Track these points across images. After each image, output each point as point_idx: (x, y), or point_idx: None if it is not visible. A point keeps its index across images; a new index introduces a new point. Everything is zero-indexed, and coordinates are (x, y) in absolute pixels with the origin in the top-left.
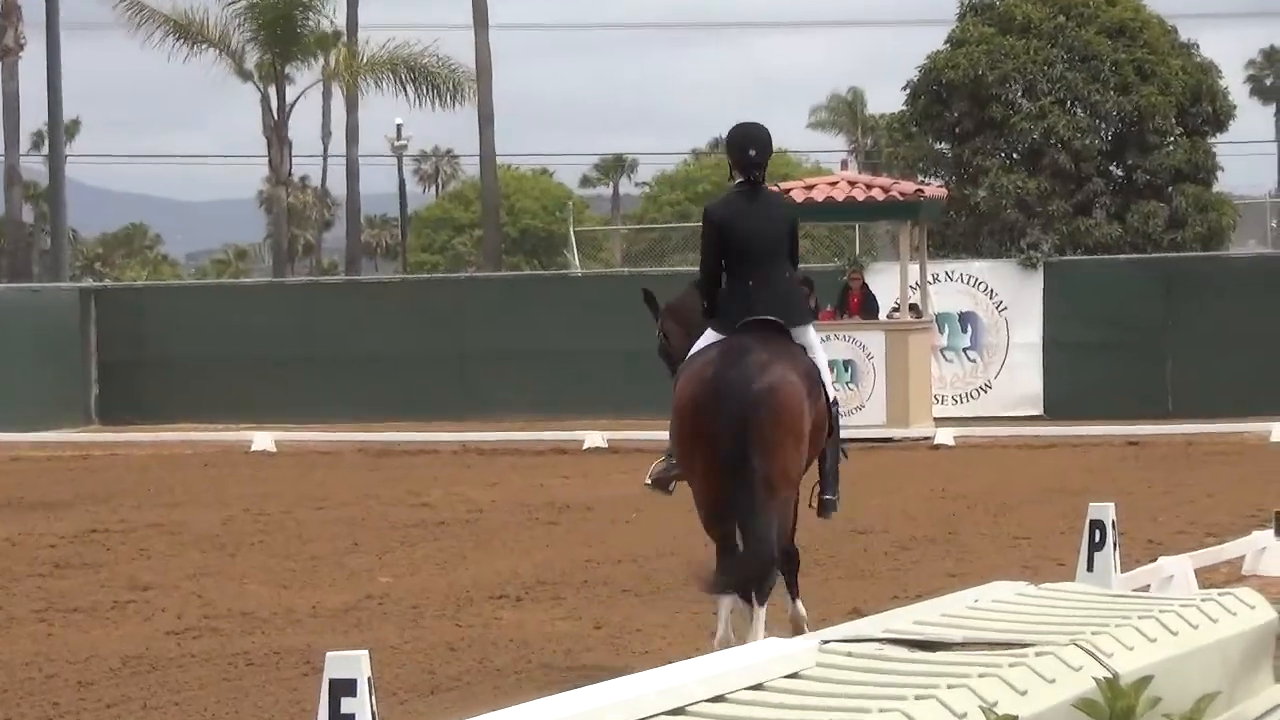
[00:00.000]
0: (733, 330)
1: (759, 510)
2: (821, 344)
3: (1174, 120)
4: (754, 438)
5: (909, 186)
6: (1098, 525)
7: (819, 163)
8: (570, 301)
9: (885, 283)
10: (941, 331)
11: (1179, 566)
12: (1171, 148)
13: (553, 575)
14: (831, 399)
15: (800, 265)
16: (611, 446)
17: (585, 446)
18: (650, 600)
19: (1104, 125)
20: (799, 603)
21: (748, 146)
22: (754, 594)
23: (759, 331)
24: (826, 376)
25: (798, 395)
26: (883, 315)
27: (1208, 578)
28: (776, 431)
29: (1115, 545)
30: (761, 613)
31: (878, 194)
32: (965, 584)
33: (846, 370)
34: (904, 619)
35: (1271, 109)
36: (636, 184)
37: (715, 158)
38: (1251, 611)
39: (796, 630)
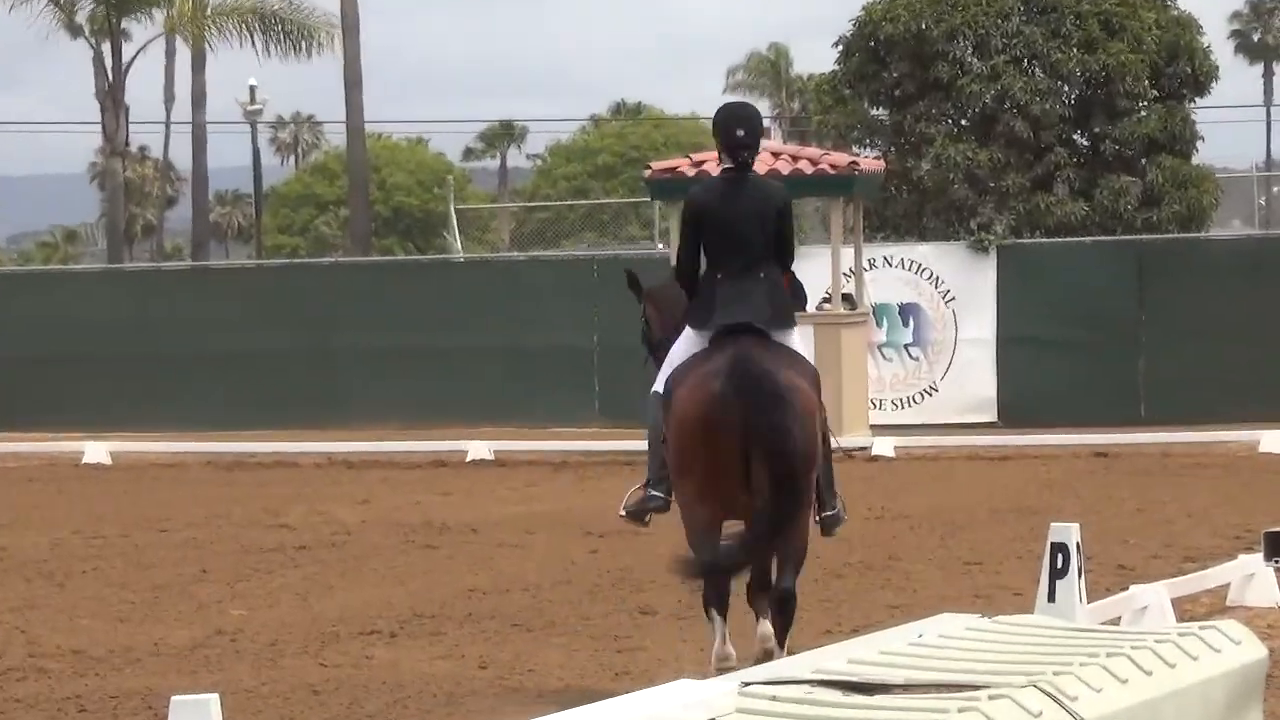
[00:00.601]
0: (710, 332)
1: (783, 525)
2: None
3: (1147, 82)
4: (783, 452)
5: (841, 158)
6: (1060, 549)
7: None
8: (451, 291)
9: (814, 269)
10: (879, 326)
11: (1154, 596)
12: (1144, 114)
13: (431, 607)
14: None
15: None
16: (499, 459)
17: (469, 459)
18: (543, 636)
19: (1066, 88)
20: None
21: (734, 127)
22: (754, 608)
23: (753, 337)
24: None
25: (812, 405)
26: (811, 307)
27: (1187, 609)
28: (802, 445)
29: (1080, 572)
30: (766, 624)
31: (805, 167)
32: (908, 617)
33: None
34: (837, 657)
35: (1259, 69)
36: (527, 156)
37: (617, 125)
38: (1237, 648)
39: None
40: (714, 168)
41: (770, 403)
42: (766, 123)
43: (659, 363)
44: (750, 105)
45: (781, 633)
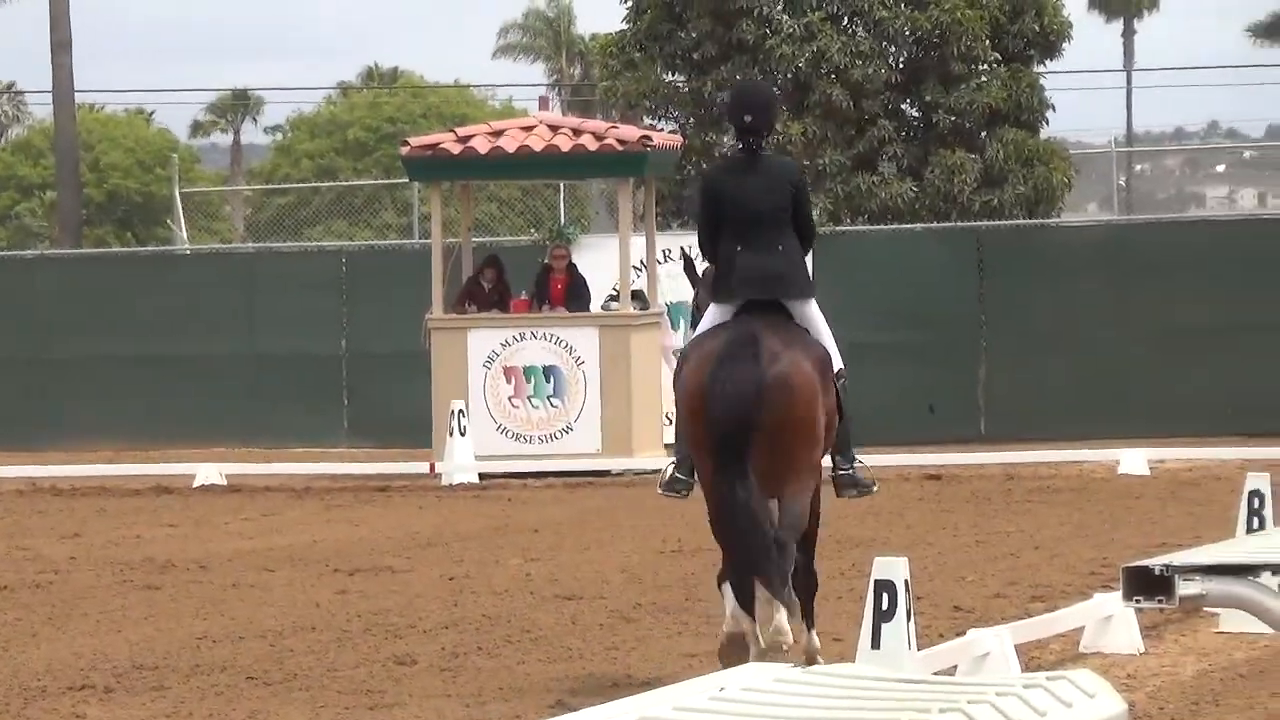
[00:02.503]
0: (731, 306)
1: (759, 506)
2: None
3: (987, 43)
4: (761, 434)
5: (631, 132)
6: (886, 587)
7: (512, 100)
8: (176, 288)
9: (599, 262)
10: (675, 328)
11: (996, 641)
12: (984, 80)
13: (153, 658)
14: (840, 374)
15: (488, 238)
16: (232, 483)
17: (197, 484)
18: (283, 691)
19: (893, 49)
20: (814, 634)
21: (742, 112)
22: (769, 589)
23: (764, 315)
24: (835, 353)
25: (812, 387)
26: (596, 306)
27: (1035, 656)
28: (786, 427)
29: (910, 614)
30: (782, 613)
31: (588, 142)
32: (709, 667)
33: (548, 380)
34: (625, 715)
35: (1117, 27)
36: (264, 130)
37: (370, 95)
38: (1091, 701)
39: (810, 662)
40: (482, 143)
41: (758, 376)
42: (544, 91)
43: None
44: (764, 85)
45: (805, 616)
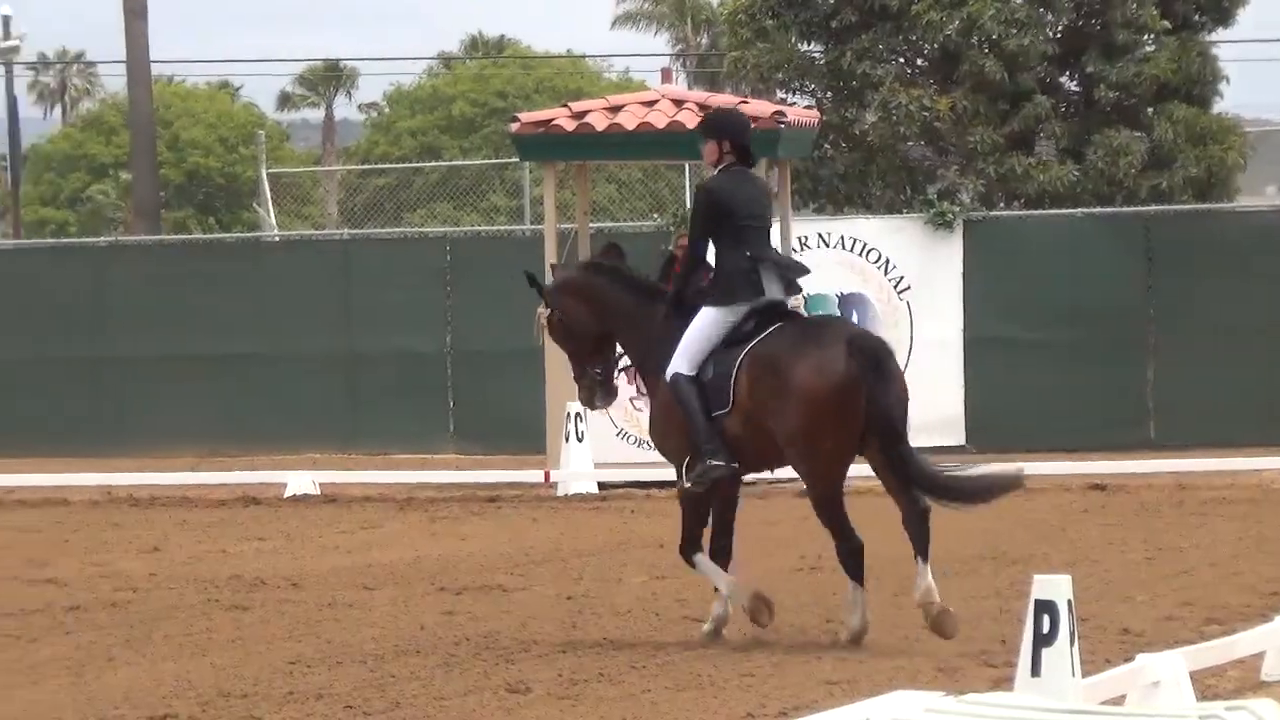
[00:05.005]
0: (743, 309)
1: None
2: None
3: (1155, 10)
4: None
5: (763, 108)
6: (1046, 608)
7: (630, 73)
8: (264, 278)
9: None
10: None
11: (1168, 668)
12: (1151, 50)
13: (242, 684)
14: None
15: (606, 223)
16: (326, 493)
17: (288, 494)
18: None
19: (1051, 17)
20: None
21: (742, 132)
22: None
23: (786, 314)
24: None
25: None
26: None
27: (1211, 684)
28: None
29: (1073, 637)
30: (929, 574)
31: None
32: (851, 696)
33: None
34: None
35: None
36: (360, 106)
37: (475, 66)
38: None
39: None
40: (600, 119)
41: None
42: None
43: (590, 356)
44: (736, 113)
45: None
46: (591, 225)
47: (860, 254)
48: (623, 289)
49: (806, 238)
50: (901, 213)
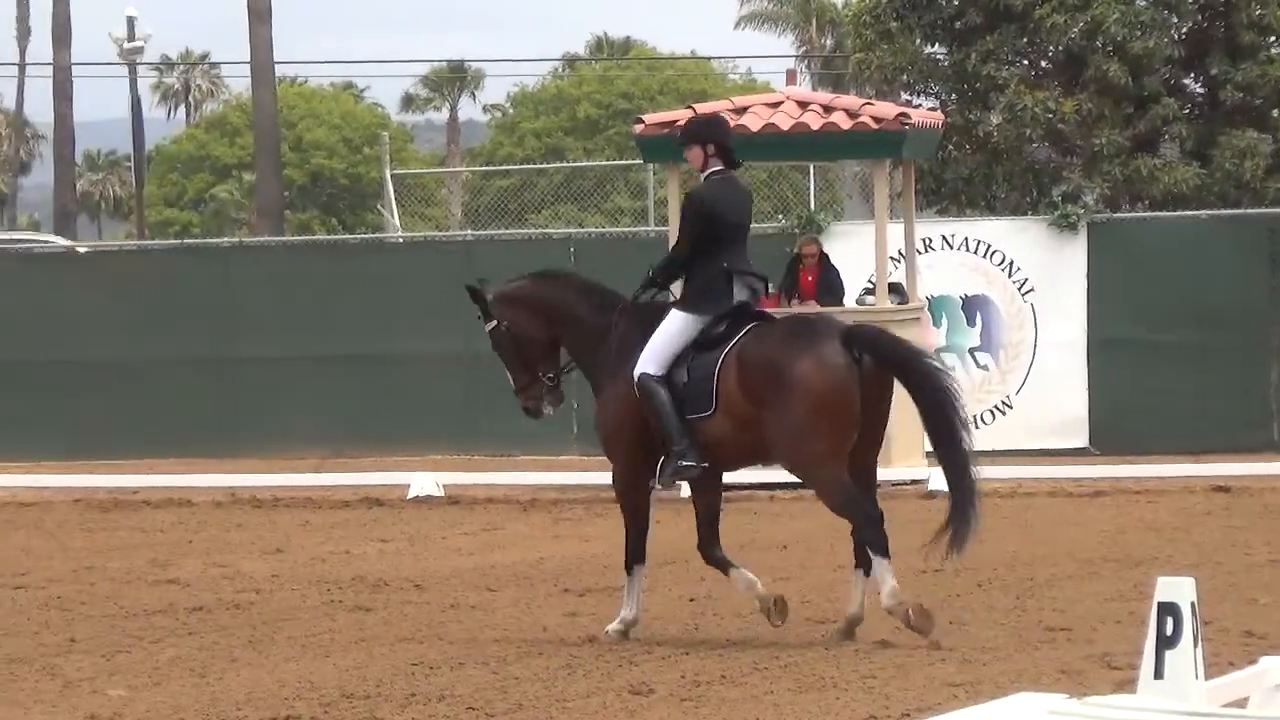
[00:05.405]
0: (710, 316)
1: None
2: None
3: None
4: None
5: (887, 109)
6: (1170, 610)
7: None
8: (387, 279)
9: (853, 252)
10: (937, 324)
11: None
12: (1277, 51)
13: (364, 686)
14: None
15: None
16: (449, 495)
17: (411, 495)
18: None
19: (1176, 19)
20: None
21: (724, 135)
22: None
23: (756, 316)
24: None
25: None
26: (850, 300)
27: None
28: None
29: (1197, 639)
30: (890, 580)
31: (841, 121)
32: (974, 698)
33: None
34: None
35: None
36: (484, 107)
37: (600, 68)
38: None
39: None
40: (758, 117)
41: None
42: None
43: (539, 364)
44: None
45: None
46: None
47: (984, 256)
48: (574, 295)
49: (930, 240)
50: (1026, 215)
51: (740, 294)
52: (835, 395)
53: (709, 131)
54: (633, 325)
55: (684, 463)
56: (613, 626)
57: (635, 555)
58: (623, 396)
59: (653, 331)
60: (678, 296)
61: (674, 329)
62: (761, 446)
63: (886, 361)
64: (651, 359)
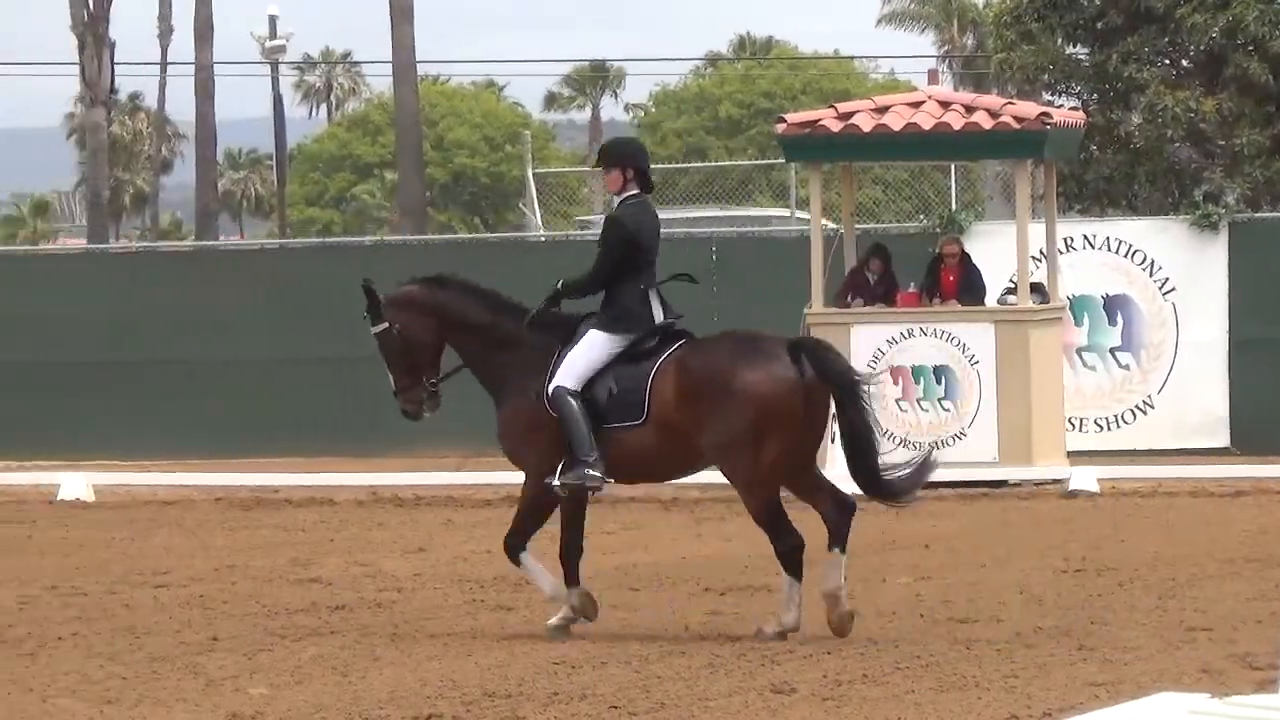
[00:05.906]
0: (634, 335)
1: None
2: None
3: None
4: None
5: (1029, 109)
6: None
7: (896, 73)
8: (529, 277)
9: (995, 252)
10: (1078, 324)
11: None
12: None
13: (506, 685)
14: None
15: (871, 225)
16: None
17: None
18: None
19: None
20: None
21: (644, 160)
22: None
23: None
24: None
25: None
26: (992, 300)
27: None
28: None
29: None
30: (799, 590)
31: (982, 120)
32: (1115, 698)
33: (939, 381)
34: None
35: None
36: (625, 106)
37: (742, 67)
38: None
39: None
40: (866, 120)
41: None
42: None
43: (425, 368)
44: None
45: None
46: (857, 227)
47: (1125, 256)
48: (474, 302)
49: (1071, 239)
50: (1167, 215)
51: (658, 314)
52: (782, 406)
53: (628, 156)
54: (542, 338)
55: (591, 472)
56: (553, 622)
57: (520, 542)
58: (531, 407)
59: (565, 346)
60: (585, 314)
61: (590, 347)
62: (687, 456)
63: (827, 375)
64: (569, 374)
